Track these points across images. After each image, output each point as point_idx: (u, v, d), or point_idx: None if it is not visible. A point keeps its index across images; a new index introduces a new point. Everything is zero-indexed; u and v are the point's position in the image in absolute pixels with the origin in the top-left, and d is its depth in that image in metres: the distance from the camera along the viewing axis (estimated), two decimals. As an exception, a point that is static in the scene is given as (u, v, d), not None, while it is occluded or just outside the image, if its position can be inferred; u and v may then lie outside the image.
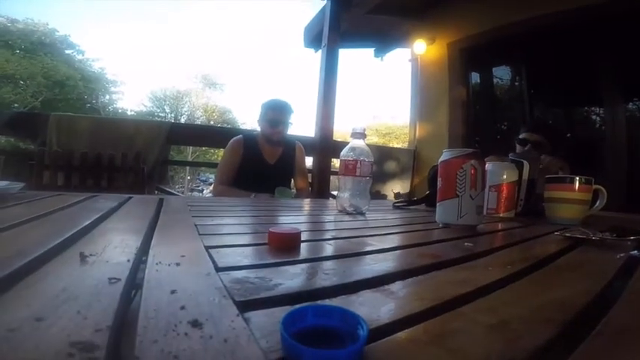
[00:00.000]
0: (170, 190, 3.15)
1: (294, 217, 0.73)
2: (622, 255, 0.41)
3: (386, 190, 3.19)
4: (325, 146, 2.61)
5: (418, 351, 0.16)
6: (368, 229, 0.62)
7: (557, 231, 0.59)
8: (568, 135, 2.83)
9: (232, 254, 0.33)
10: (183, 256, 0.30)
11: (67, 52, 20.30)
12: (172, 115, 23.09)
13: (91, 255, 0.28)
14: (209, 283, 0.23)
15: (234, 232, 0.48)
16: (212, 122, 22.67)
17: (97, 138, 2.23)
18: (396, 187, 3.25)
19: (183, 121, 22.34)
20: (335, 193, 0.91)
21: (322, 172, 2.64)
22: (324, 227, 0.63)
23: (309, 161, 2.37)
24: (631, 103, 2.45)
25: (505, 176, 0.88)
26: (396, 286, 0.26)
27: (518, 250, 0.48)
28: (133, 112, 22.42)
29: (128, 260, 0.27)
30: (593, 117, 2.81)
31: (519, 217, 0.90)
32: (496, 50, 2.98)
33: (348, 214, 0.79)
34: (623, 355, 0.17)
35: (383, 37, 3.88)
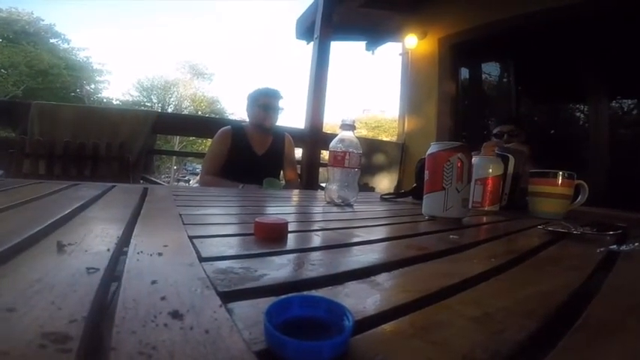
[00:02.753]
0: (155, 179, 3.09)
1: (282, 208, 0.73)
2: (602, 249, 0.42)
3: (374, 182, 3.20)
4: (315, 138, 2.60)
5: (404, 343, 0.16)
6: (355, 220, 0.62)
7: (539, 225, 0.60)
8: (552, 131, 2.89)
9: (217, 244, 0.32)
10: (165, 245, 0.29)
11: (51, 41, 19.68)
12: (160, 105, 22.58)
13: (69, 244, 0.27)
14: (192, 273, 0.23)
15: (219, 222, 0.48)
16: (200, 112, 22.28)
17: (80, 127, 2.16)
18: (384, 180, 3.26)
19: (170, 110, 21.89)
20: (324, 184, 0.91)
21: (311, 163, 2.63)
22: (311, 218, 0.63)
23: (298, 153, 2.36)
24: (614, 102, 2.51)
25: (491, 170, 0.89)
26: (382, 278, 0.26)
27: (502, 243, 0.48)
28: (118, 102, 21.86)
29: (108, 250, 0.26)
30: (578, 114, 2.86)
31: (503, 210, 0.91)
32: (486, 46, 3.00)
33: (336, 205, 0.79)
34: (603, 350, 0.17)
35: (375, 31, 3.86)
